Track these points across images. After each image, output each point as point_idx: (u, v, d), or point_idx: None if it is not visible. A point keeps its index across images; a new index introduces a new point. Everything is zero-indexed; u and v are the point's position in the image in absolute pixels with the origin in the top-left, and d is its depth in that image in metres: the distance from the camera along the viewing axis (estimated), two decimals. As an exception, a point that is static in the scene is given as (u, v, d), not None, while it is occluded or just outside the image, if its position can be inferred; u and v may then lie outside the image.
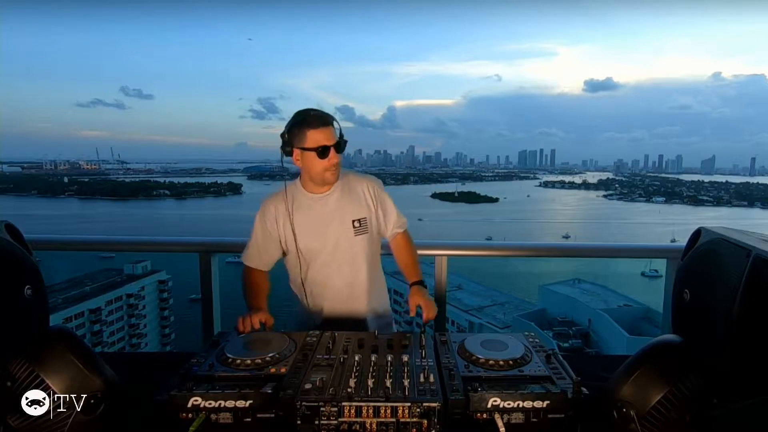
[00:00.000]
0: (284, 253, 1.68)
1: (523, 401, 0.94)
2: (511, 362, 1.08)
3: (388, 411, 0.91)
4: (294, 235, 1.59)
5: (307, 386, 0.96)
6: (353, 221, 1.62)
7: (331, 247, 1.61)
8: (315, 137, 1.49)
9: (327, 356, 1.12)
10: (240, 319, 1.39)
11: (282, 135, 1.54)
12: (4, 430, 0.88)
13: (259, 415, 0.94)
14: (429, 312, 1.51)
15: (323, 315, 1.64)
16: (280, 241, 1.63)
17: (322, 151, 1.50)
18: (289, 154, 1.55)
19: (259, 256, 1.65)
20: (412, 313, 1.62)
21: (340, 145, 1.53)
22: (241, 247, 2.59)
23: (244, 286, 1.64)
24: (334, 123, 1.54)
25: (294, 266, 1.65)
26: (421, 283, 1.68)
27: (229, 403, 0.94)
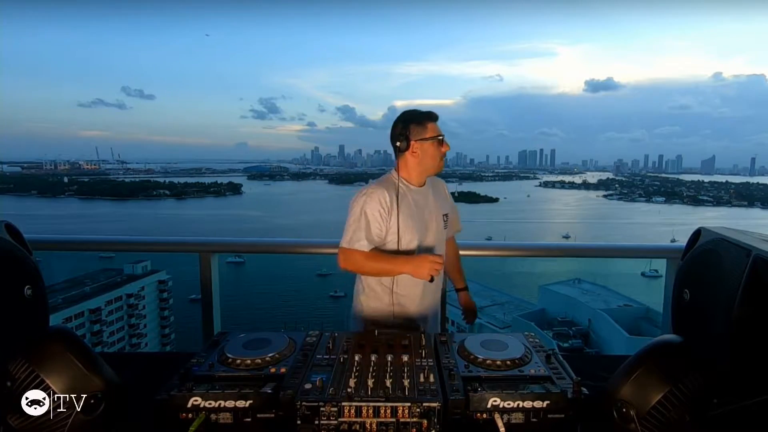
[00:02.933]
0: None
1: (523, 401, 0.94)
2: (510, 362, 1.08)
3: (388, 411, 0.91)
4: (398, 226, 1.61)
5: (307, 386, 0.96)
6: (443, 215, 1.75)
7: (430, 241, 1.68)
8: (434, 129, 1.64)
9: (327, 356, 1.12)
10: (432, 268, 1.49)
11: (399, 132, 1.63)
12: (4, 430, 0.88)
13: (259, 415, 0.94)
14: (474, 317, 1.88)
15: (406, 312, 1.67)
16: (386, 229, 1.61)
17: (442, 140, 1.64)
18: (406, 148, 1.63)
19: (371, 239, 1.59)
20: (469, 319, 1.93)
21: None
22: (242, 247, 2.58)
23: (371, 263, 1.58)
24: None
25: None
26: (468, 288, 1.95)
27: (229, 403, 0.94)
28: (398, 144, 1.63)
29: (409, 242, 1.63)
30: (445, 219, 1.75)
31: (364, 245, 1.58)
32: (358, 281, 1.75)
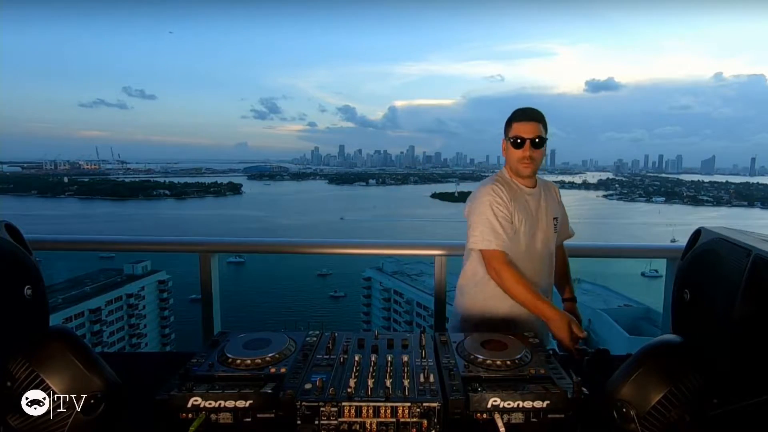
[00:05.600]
0: None
1: (523, 401, 0.94)
2: (510, 362, 1.08)
3: (388, 411, 0.91)
4: (520, 220, 1.60)
5: (307, 386, 0.96)
6: (554, 218, 1.71)
7: (538, 242, 1.65)
8: (517, 128, 1.59)
9: (327, 356, 1.12)
10: (570, 336, 1.40)
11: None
12: (4, 430, 0.88)
13: (259, 415, 0.94)
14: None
15: (507, 313, 1.62)
16: (511, 225, 1.58)
17: (516, 142, 1.57)
18: (503, 141, 1.65)
19: (506, 239, 1.56)
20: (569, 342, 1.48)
21: (537, 141, 1.57)
22: (242, 247, 2.57)
23: (513, 279, 1.51)
24: (542, 122, 1.60)
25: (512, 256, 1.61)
26: (575, 300, 1.84)
27: (229, 403, 0.94)
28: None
29: (517, 240, 1.60)
30: (556, 223, 1.72)
31: (501, 245, 1.54)
32: (462, 277, 1.73)
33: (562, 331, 1.43)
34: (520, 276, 1.53)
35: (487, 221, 1.55)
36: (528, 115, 1.59)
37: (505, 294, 1.58)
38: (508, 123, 1.62)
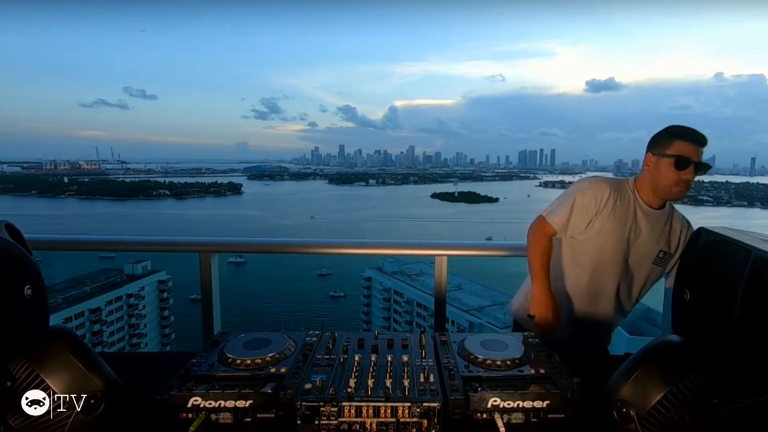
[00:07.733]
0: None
1: (523, 401, 0.94)
2: (510, 362, 1.08)
3: (388, 411, 0.91)
4: (604, 229, 1.53)
5: (307, 386, 0.96)
6: (660, 251, 1.58)
7: (633, 261, 1.57)
8: (680, 147, 1.45)
9: (327, 356, 1.12)
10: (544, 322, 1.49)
11: (651, 140, 1.55)
12: (4, 430, 0.88)
13: (259, 415, 0.94)
14: None
15: (569, 318, 1.61)
16: (587, 225, 1.55)
17: (680, 162, 1.44)
18: (646, 159, 1.54)
19: (564, 223, 1.56)
20: None
21: (701, 167, 1.47)
22: (242, 247, 2.58)
23: (537, 248, 1.57)
24: (705, 149, 1.48)
25: (579, 256, 1.60)
26: None
27: (229, 403, 0.94)
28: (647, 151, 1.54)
29: (603, 248, 1.55)
30: (661, 255, 1.58)
31: (557, 223, 1.56)
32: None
33: (540, 311, 1.52)
34: (543, 250, 1.57)
35: (563, 201, 1.58)
36: (696, 137, 1.45)
37: (564, 277, 1.63)
38: (667, 138, 1.48)
